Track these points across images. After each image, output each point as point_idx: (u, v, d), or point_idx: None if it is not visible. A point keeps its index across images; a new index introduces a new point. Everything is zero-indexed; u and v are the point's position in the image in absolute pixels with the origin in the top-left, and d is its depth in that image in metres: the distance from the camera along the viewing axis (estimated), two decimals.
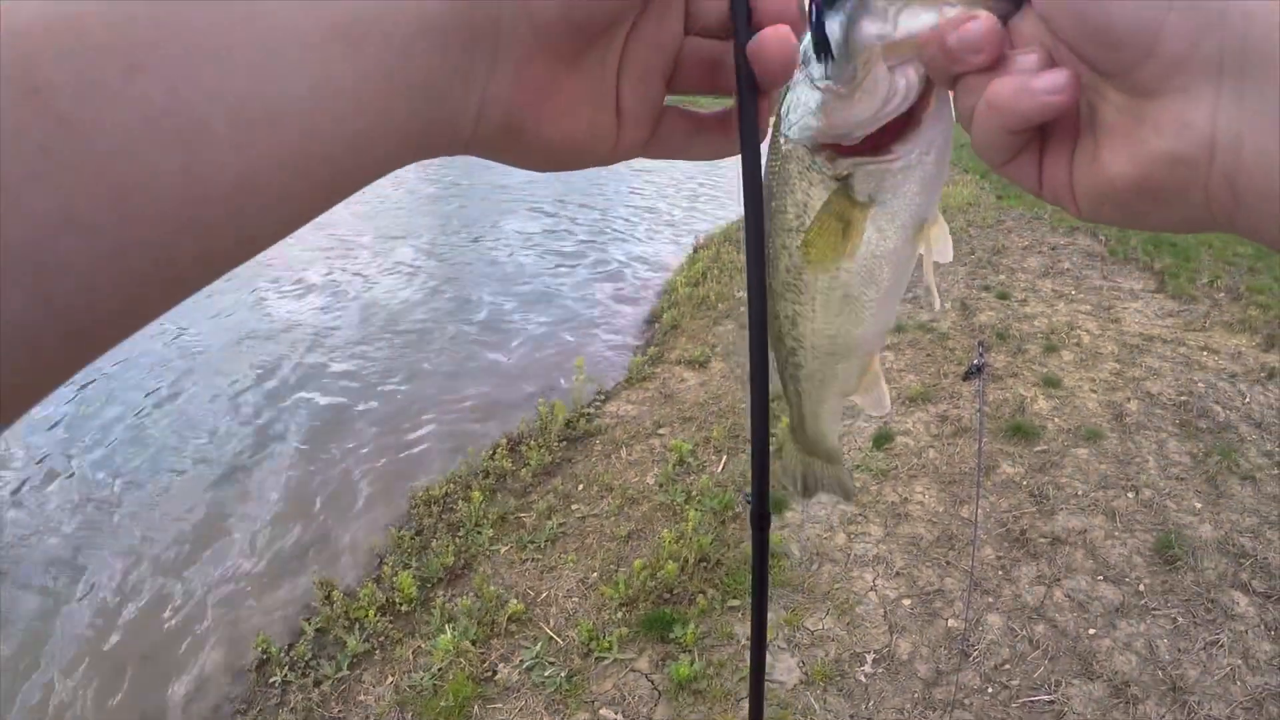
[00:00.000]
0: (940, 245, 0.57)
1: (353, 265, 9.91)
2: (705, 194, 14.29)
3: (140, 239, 0.27)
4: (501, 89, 0.39)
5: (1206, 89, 0.34)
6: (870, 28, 0.45)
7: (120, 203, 0.26)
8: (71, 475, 5.33)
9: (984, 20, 0.40)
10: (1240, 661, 3.32)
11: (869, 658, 3.40)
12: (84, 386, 6.49)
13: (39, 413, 6.05)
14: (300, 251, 10.05)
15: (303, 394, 6.39)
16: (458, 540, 4.24)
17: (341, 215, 12.22)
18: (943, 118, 0.50)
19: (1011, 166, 0.44)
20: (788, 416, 0.75)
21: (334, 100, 0.31)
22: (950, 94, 0.47)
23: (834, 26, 0.46)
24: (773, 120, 0.51)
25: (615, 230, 12.11)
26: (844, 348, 0.63)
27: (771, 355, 0.66)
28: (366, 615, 3.74)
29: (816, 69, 0.48)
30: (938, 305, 0.65)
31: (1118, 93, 0.37)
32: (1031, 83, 0.38)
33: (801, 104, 0.50)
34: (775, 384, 0.68)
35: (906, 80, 0.46)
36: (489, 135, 0.40)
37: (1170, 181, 0.37)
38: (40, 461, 5.51)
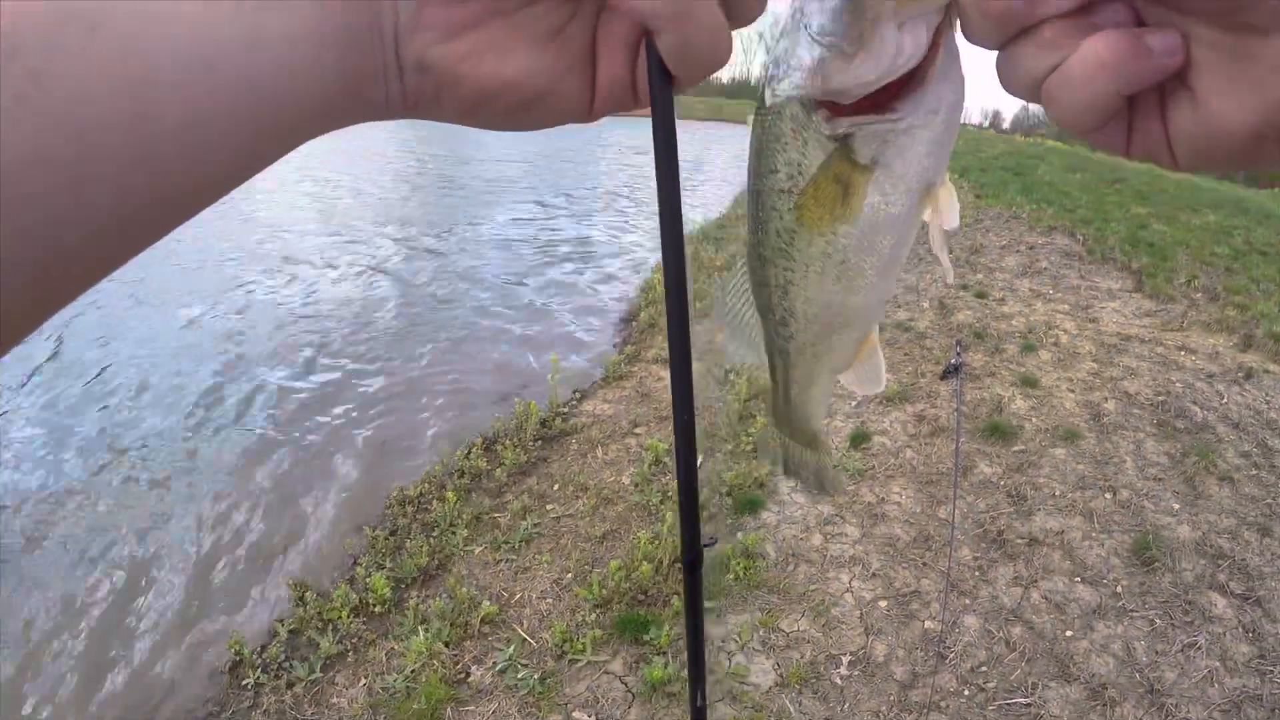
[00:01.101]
0: (948, 211, 0.52)
1: (331, 257, 9.86)
2: (692, 186, 14.30)
3: (97, 174, 0.30)
4: (408, 32, 0.39)
5: None
6: None
7: (79, 140, 0.30)
8: (40, 469, 5.25)
9: None
10: (1218, 663, 3.31)
11: (845, 660, 3.37)
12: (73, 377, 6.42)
13: (12, 402, 5.98)
14: (286, 241, 9.99)
15: (273, 392, 6.32)
16: (432, 541, 4.19)
17: (326, 203, 12.18)
18: (952, 74, 0.45)
19: (1103, 130, 0.39)
20: (771, 393, 0.70)
21: (266, 48, 0.34)
22: (957, 42, 0.43)
23: None
24: (762, 70, 0.47)
25: (597, 226, 12.11)
26: (840, 319, 0.59)
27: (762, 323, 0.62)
28: (340, 616, 3.69)
29: (816, 21, 0.43)
30: (950, 277, 0.60)
31: (1216, 32, 0.33)
32: (1149, 42, 0.34)
33: (795, 58, 0.45)
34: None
35: (914, 39, 0.42)
36: (417, 86, 0.40)
37: None
38: (10, 450, 5.43)
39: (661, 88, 0.42)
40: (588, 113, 0.45)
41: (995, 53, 0.40)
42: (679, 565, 3.85)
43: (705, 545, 0.63)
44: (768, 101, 0.48)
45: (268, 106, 0.34)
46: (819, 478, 0.77)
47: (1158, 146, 0.38)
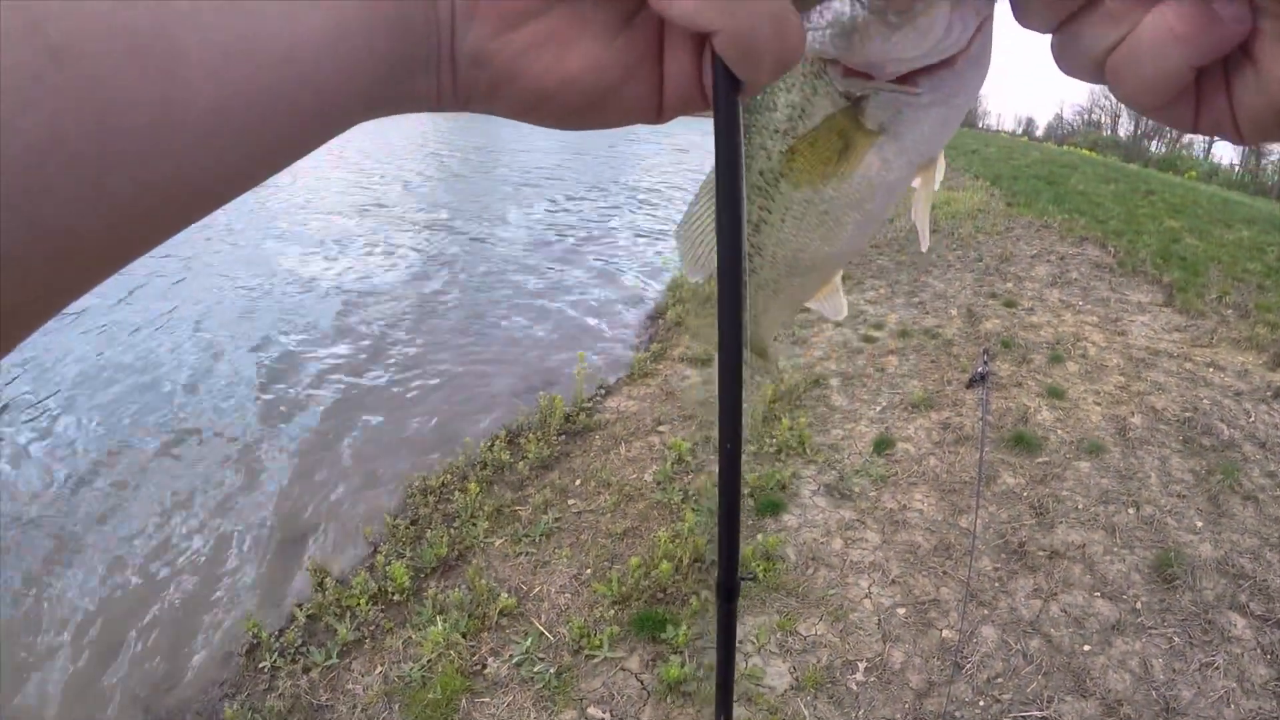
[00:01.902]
0: (937, 179, 0.52)
1: (360, 248, 9.90)
2: None
3: (117, 162, 0.28)
4: (464, 21, 0.36)
5: None
6: None
7: (100, 126, 0.27)
8: (64, 448, 5.31)
9: None
10: (1235, 684, 3.29)
11: (861, 666, 3.37)
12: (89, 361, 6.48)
13: (35, 383, 6.05)
14: (313, 226, 10.04)
15: (300, 377, 6.37)
16: (452, 531, 4.22)
17: (354, 193, 12.20)
18: (983, 62, 0.43)
19: (1170, 106, 0.37)
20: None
21: (311, 31, 0.31)
22: (989, 31, 0.41)
23: None
24: None
25: (629, 221, 12.11)
26: (809, 264, 0.57)
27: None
28: (358, 604, 3.72)
29: None
30: (925, 245, 0.59)
31: None
32: (1218, 9, 0.32)
33: (829, 12, 0.41)
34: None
35: (963, 24, 0.40)
36: (471, 80, 0.38)
37: None
38: (33, 430, 5.49)
39: (727, 95, 0.37)
40: (656, 113, 0.41)
41: (1049, 36, 0.37)
42: (699, 565, 3.87)
43: (743, 579, 0.64)
44: None
45: (309, 93, 0.32)
46: (762, 374, 0.75)
47: (1224, 120, 0.36)
